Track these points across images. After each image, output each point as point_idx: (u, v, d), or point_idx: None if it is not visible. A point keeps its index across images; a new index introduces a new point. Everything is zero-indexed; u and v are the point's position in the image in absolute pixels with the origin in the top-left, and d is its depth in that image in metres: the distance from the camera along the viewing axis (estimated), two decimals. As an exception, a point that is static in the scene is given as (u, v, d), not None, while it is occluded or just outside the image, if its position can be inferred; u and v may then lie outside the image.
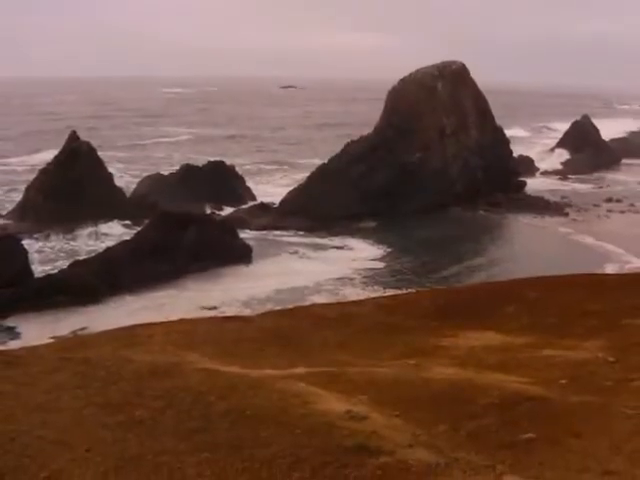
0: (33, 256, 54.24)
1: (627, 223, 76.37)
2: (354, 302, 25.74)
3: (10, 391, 11.17)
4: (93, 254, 54.02)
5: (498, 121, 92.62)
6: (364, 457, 8.57)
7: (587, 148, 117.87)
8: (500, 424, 10.32)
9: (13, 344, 35.45)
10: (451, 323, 18.91)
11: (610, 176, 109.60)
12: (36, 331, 40.18)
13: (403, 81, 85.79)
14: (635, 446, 9.26)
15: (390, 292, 45.46)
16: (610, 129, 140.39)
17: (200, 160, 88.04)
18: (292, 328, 18.98)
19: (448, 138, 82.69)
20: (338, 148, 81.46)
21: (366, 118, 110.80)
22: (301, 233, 67.97)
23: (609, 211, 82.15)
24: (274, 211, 73.81)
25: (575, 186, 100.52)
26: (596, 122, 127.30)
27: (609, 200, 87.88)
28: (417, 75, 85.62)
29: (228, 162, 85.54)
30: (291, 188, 78.80)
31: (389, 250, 63.14)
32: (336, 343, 17.32)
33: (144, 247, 52.05)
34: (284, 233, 68.08)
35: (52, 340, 30.26)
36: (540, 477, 8.46)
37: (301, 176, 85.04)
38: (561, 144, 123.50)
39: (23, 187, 72.71)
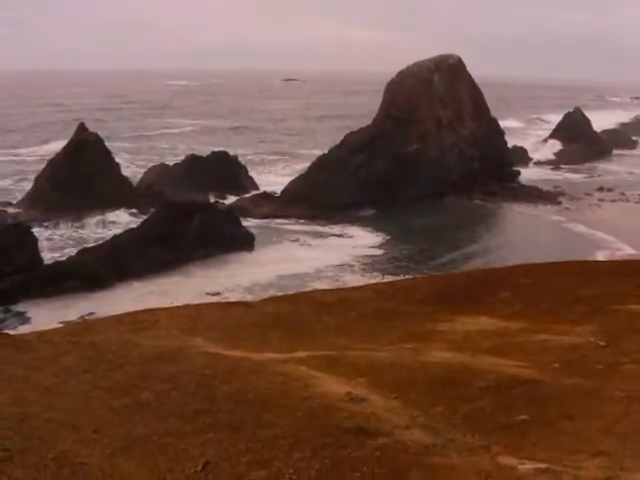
0: (42, 244, 54.35)
1: (618, 211, 76.56)
2: (353, 288, 25.74)
3: (20, 375, 11.16)
4: (101, 242, 54.12)
5: (493, 113, 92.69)
6: (363, 438, 8.57)
7: (579, 139, 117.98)
8: (495, 406, 10.32)
9: (23, 329, 35.54)
10: (447, 308, 18.87)
11: (601, 166, 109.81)
12: (45, 316, 40.31)
13: (401, 74, 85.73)
14: (625, 428, 9.27)
15: (388, 278, 45.53)
16: (601, 120, 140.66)
17: (204, 151, 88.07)
18: (293, 313, 18.94)
19: (445, 129, 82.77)
20: (338, 139, 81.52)
21: (365, 110, 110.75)
22: (302, 221, 68.10)
23: (600, 200, 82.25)
24: (276, 200, 73.88)
25: (567, 176, 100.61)
26: (588, 114, 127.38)
27: (600, 189, 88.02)
28: (414, 68, 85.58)
29: (231, 153, 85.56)
30: (292, 178, 78.91)
31: (387, 238, 63.26)
32: (336, 328, 17.28)
33: (150, 235, 52.13)
34: (285, 221, 68.22)
35: (61, 325, 30.30)
36: (533, 458, 8.46)
37: (302, 166, 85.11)
38: (554, 135, 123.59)
39: (33, 177, 72.95)
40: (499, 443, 8.96)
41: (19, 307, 43.02)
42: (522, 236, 65.79)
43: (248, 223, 63.58)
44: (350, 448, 8.30)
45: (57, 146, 79.66)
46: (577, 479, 7.75)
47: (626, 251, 56.81)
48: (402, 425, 9.27)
